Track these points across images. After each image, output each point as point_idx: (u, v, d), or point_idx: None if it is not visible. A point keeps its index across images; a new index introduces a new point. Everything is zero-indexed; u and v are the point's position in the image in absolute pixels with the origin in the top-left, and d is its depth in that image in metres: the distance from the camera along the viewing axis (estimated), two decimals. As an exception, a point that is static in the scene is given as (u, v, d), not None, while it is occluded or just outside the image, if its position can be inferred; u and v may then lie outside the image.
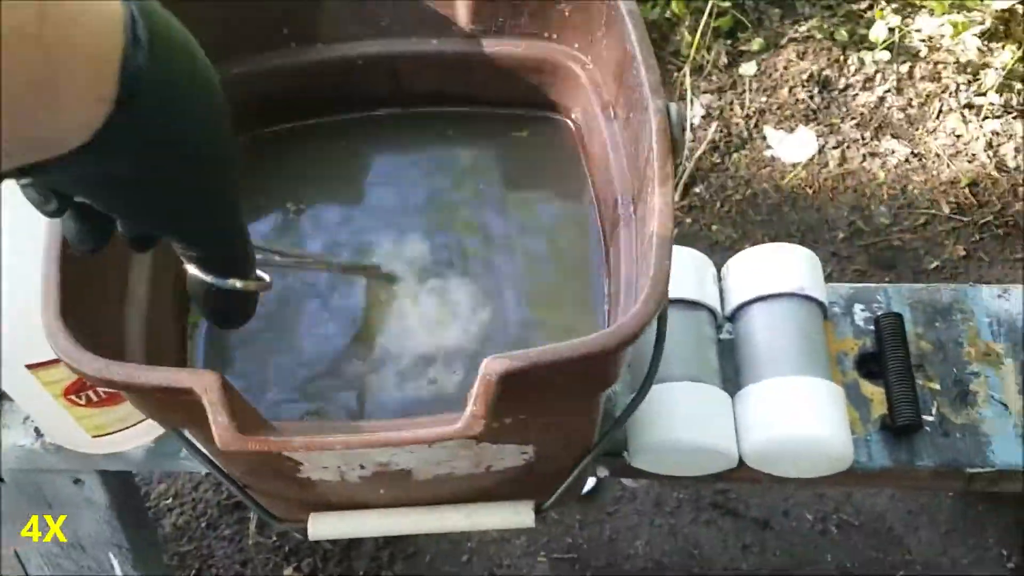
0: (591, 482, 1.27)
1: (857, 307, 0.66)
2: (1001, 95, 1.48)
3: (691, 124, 1.47)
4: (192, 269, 0.36)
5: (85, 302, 0.42)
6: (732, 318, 0.65)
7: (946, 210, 1.41)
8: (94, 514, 0.72)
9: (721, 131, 1.47)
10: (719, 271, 0.67)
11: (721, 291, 0.66)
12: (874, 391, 0.62)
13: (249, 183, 0.55)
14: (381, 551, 1.24)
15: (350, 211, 0.57)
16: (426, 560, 1.24)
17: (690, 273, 0.64)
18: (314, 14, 0.54)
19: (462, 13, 0.55)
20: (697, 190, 1.44)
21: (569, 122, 0.58)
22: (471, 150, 0.60)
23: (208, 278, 0.36)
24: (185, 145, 0.30)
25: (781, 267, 0.63)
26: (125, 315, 0.46)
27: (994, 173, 1.44)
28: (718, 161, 1.46)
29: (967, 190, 1.42)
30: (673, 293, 0.62)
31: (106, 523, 0.73)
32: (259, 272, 0.38)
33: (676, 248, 0.43)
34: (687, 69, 1.52)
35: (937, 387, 0.63)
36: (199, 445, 0.51)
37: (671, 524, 1.24)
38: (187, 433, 0.52)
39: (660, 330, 0.49)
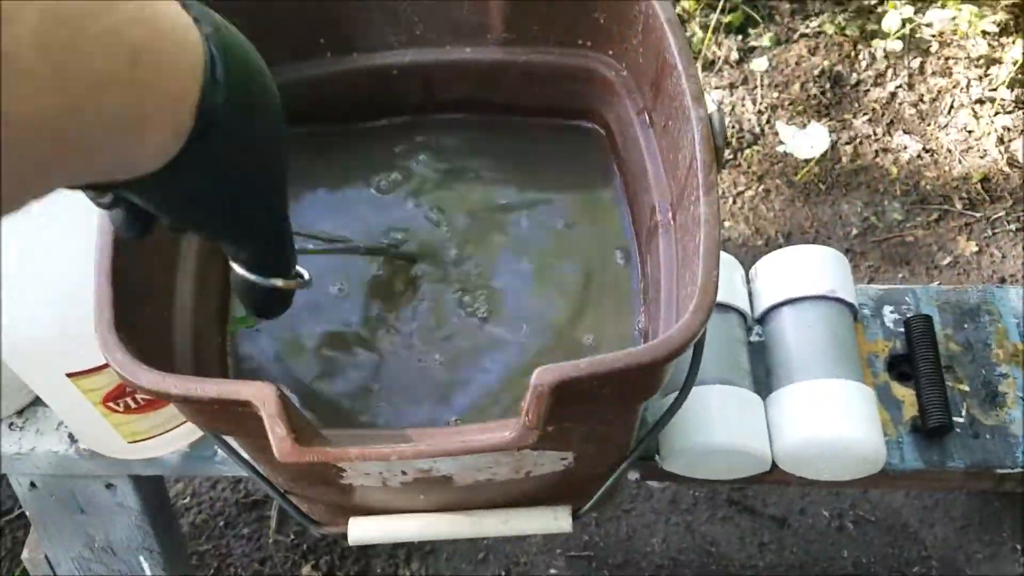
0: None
1: (886, 309, 0.66)
2: (1012, 90, 1.48)
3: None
4: (238, 269, 0.37)
5: (136, 314, 0.42)
6: (762, 321, 0.66)
7: (958, 206, 1.41)
8: (126, 519, 0.72)
9: (733, 127, 1.47)
10: (746, 272, 0.67)
11: (750, 293, 0.66)
12: (905, 393, 0.63)
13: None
14: (398, 549, 1.25)
15: (379, 214, 0.58)
16: (443, 558, 1.24)
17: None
18: (351, 23, 0.55)
19: (496, 21, 0.55)
20: (710, 187, 1.44)
21: (602, 129, 0.59)
22: (502, 157, 0.60)
23: (252, 277, 0.37)
24: (252, 168, 0.31)
25: (810, 269, 0.64)
26: (173, 324, 0.46)
27: (1006, 168, 1.44)
28: (730, 157, 1.46)
29: (979, 185, 1.43)
30: (704, 296, 0.62)
31: (137, 527, 0.73)
32: (299, 268, 0.40)
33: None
34: (698, 65, 1.52)
35: (967, 388, 0.63)
36: (240, 451, 0.51)
37: (687, 522, 1.24)
38: (229, 439, 0.52)
39: (700, 337, 0.50)
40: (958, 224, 1.40)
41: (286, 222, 0.37)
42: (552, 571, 1.23)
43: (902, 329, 0.65)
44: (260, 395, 0.37)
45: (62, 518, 0.72)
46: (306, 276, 0.40)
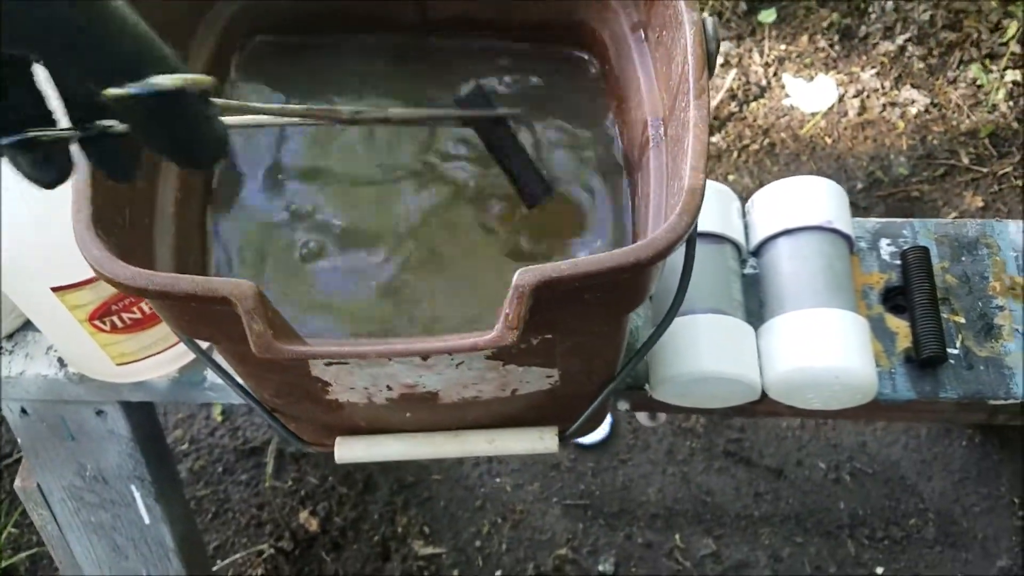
0: (605, 429, 1.27)
1: (883, 241, 0.65)
2: (1023, 44, 1.46)
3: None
4: (112, 90, 0.28)
5: (116, 216, 0.42)
6: (757, 253, 0.65)
7: (965, 161, 1.39)
8: (117, 446, 0.72)
9: (739, 79, 1.45)
10: (743, 207, 0.66)
11: (746, 226, 0.65)
12: (899, 324, 0.62)
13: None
14: (396, 496, 1.26)
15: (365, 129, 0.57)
16: (440, 505, 1.25)
17: (714, 206, 0.63)
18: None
19: (489, -66, 0.54)
20: (714, 139, 1.42)
21: (596, 46, 0.57)
22: (493, 75, 0.59)
23: (127, 89, 0.28)
24: None
25: (808, 200, 0.63)
26: (154, 232, 0.46)
27: (1014, 124, 1.42)
28: (736, 110, 1.44)
29: (986, 141, 1.41)
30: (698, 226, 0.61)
31: (128, 456, 0.73)
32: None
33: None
34: (706, 15, 1.50)
35: (962, 320, 0.62)
36: (227, 368, 0.51)
37: (683, 472, 1.24)
38: (215, 356, 0.52)
39: (688, 255, 0.49)
40: (964, 179, 1.38)
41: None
42: (548, 519, 1.23)
43: (898, 262, 0.64)
44: (238, 291, 0.37)
45: (53, 445, 0.73)
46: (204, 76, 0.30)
